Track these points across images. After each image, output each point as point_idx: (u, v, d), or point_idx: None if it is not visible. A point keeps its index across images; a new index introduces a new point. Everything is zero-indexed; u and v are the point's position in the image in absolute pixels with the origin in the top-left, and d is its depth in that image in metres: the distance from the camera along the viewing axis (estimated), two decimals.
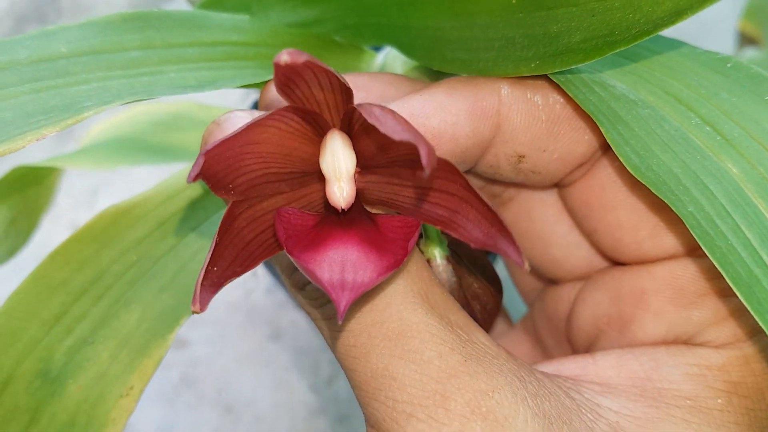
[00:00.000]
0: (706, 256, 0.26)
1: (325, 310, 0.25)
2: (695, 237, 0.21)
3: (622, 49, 0.22)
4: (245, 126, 0.20)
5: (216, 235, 0.21)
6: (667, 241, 0.27)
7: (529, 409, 0.22)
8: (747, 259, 0.21)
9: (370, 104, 0.21)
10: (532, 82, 0.26)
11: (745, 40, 0.49)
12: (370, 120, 0.19)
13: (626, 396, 0.24)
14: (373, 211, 0.24)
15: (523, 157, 0.27)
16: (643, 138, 0.23)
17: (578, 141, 0.26)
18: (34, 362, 0.30)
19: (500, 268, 0.38)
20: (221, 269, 0.22)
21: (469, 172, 0.28)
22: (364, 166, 0.23)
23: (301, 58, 0.19)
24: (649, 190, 0.23)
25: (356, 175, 0.23)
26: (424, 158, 0.18)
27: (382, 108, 0.20)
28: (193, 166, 0.19)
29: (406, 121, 0.20)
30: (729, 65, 0.25)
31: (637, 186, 0.27)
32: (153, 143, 0.41)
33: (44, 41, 0.27)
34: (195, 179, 0.20)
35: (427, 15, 0.28)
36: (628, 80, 0.26)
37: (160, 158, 0.41)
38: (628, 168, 0.22)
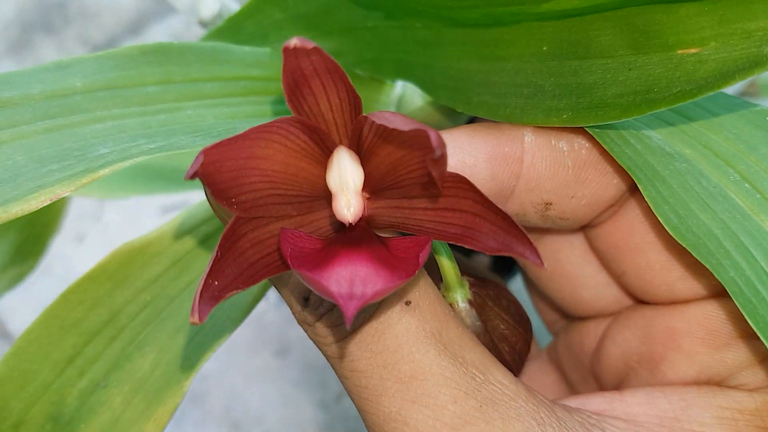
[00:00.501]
0: None
1: (336, 349, 0.24)
2: (737, 305, 0.20)
3: (663, 109, 0.21)
4: (247, 131, 0.20)
5: (217, 250, 0.20)
6: (700, 283, 0.26)
7: None
8: None
9: (379, 111, 0.20)
10: (555, 128, 0.25)
11: (751, 87, 0.48)
12: (378, 121, 0.19)
13: None
14: (383, 235, 0.23)
15: (551, 204, 0.26)
16: (682, 195, 0.23)
17: (606, 185, 0.26)
18: (45, 406, 0.29)
19: (524, 300, 0.37)
20: (222, 284, 0.21)
21: None
22: (373, 191, 0.22)
23: (310, 43, 0.19)
24: None
25: (365, 201, 0.22)
26: (433, 140, 0.18)
27: (391, 113, 0.20)
28: (192, 164, 0.19)
29: (412, 119, 0.19)
30: None
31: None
32: (167, 169, 0.40)
33: (59, 75, 0.26)
34: (192, 177, 0.19)
35: (451, 56, 0.27)
36: (663, 131, 0.25)
37: (174, 186, 0.40)
38: (668, 229, 0.22)
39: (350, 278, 0.20)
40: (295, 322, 0.25)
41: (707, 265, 0.21)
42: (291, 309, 0.25)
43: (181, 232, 0.32)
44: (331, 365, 0.25)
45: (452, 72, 0.27)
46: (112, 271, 0.30)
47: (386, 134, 0.20)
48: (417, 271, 0.20)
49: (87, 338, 0.30)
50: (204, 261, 0.32)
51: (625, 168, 0.23)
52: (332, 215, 0.23)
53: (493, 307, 0.29)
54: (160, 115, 0.26)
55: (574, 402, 0.25)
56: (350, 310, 0.19)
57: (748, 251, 0.22)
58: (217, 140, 0.25)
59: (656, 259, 0.26)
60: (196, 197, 0.77)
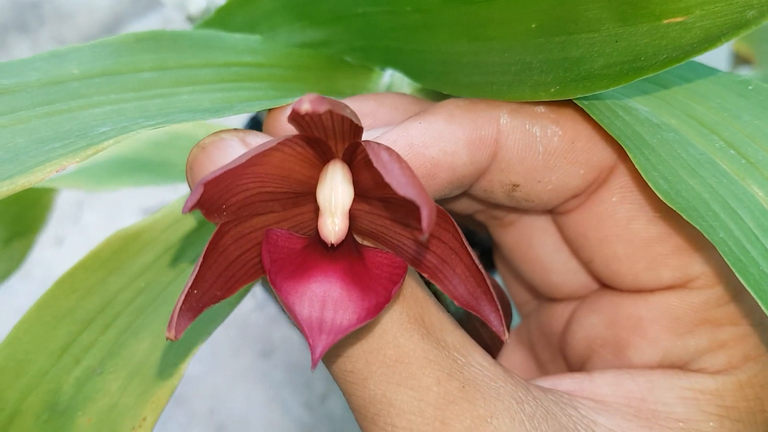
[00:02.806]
0: (702, 287, 0.26)
1: None
2: (729, 264, 0.21)
3: (650, 75, 0.22)
4: (251, 156, 0.20)
5: (202, 255, 0.21)
6: (664, 274, 0.27)
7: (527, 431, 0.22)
8: None
9: (378, 144, 0.21)
10: (532, 111, 0.26)
11: (740, 60, 0.50)
12: (377, 165, 0.19)
13: (621, 415, 0.25)
14: (363, 242, 0.24)
15: (518, 186, 0.27)
16: (670, 163, 0.23)
17: (573, 175, 0.26)
18: (41, 395, 0.29)
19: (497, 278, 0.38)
20: (201, 292, 0.21)
21: (462, 194, 0.28)
22: (359, 194, 0.23)
23: (323, 107, 0.18)
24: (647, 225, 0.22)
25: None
26: (424, 221, 0.18)
27: (390, 153, 0.20)
28: (189, 196, 0.19)
29: (411, 172, 0.19)
30: (750, 87, 0.25)
31: (635, 220, 0.27)
32: (153, 163, 0.40)
33: (56, 63, 0.26)
34: (191, 210, 0.19)
35: (441, 40, 0.28)
36: (650, 103, 0.26)
37: (161, 179, 0.40)
38: (657, 194, 0.22)
39: (322, 299, 0.21)
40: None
41: (698, 227, 0.22)
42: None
43: (174, 219, 0.32)
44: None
45: (441, 55, 0.28)
46: (105, 259, 0.30)
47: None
48: (390, 300, 0.21)
49: (82, 326, 0.30)
50: (197, 248, 0.32)
51: (614, 137, 0.23)
52: (317, 210, 0.23)
53: None
54: (157, 99, 0.26)
55: (545, 382, 0.26)
56: (318, 349, 0.19)
57: (736, 213, 0.22)
58: (211, 116, 0.25)
59: (623, 251, 0.27)
60: (176, 197, 0.77)
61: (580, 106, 0.25)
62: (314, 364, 0.19)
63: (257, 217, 0.22)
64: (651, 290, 0.28)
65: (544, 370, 0.34)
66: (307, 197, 0.23)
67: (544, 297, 0.33)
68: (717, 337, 0.26)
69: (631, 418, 0.25)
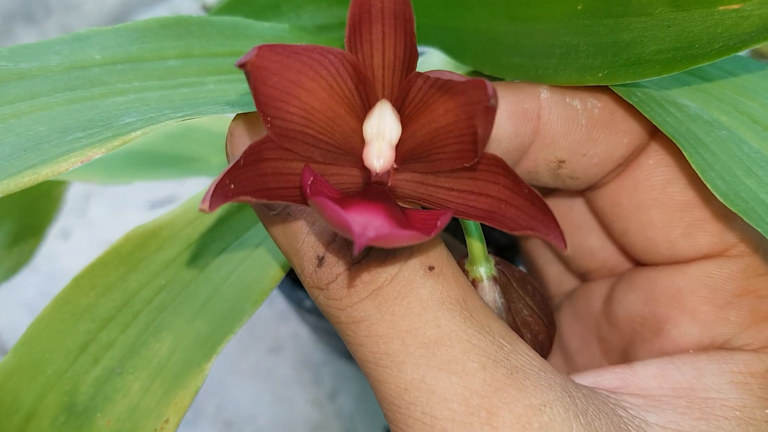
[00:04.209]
0: (741, 255, 0.25)
1: (353, 311, 0.23)
2: None
3: (705, 64, 0.21)
4: (304, 47, 0.19)
5: (240, 158, 0.20)
6: (701, 240, 0.26)
7: (582, 426, 0.21)
8: None
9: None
10: (569, 86, 0.25)
11: (755, 54, 0.49)
12: (433, 74, 0.19)
13: (672, 409, 0.23)
14: (403, 205, 0.23)
15: (563, 162, 0.26)
16: (726, 162, 0.22)
17: (617, 145, 0.26)
18: (58, 395, 0.28)
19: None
20: (237, 190, 0.20)
21: None
22: (402, 160, 0.22)
23: None
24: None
25: (392, 171, 0.22)
26: (489, 88, 0.18)
27: (444, 71, 0.20)
28: (245, 54, 0.18)
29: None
30: None
31: (671, 183, 0.26)
32: (167, 156, 0.39)
33: (77, 47, 0.25)
34: (242, 66, 0.18)
35: (478, 18, 0.26)
36: (698, 99, 0.25)
37: (177, 172, 0.39)
38: (717, 196, 0.21)
39: (364, 221, 0.19)
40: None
41: (759, 230, 0.21)
42: (302, 273, 0.24)
43: (194, 215, 0.31)
44: (343, 333, 0.23)
45: (479, 35, 0.27)
46: (125, 255, 0.29)
47: (438, 91, 0.20)
48: (435, 233, 0.19)
49: (100, 324, 0.29)
50: (218, 244, 0.31)
51: (669, 136, 0.22)
52: (356, 174, 0.22)
53: (518, 289, 0.28)
54: (182, 89, 0.25)
55: (586, 380, 0.25)
56: (363, 237, 0.17)
57: None
58: (241, 110, 0.24)
59: (659, 216, 0.27)
60: (184, 192, 0.76)
61: (630, 102, 0.24)
62: (359, 248, 0.17)
63: (298, 161, 0.21)
64: (688, 260, 0.27)
65: (572, 362, 0.33)
66: (349, 158, 0.22)
67: (578, 277, 0.33)
68: (759, 308, 0.25)
69: (684, 410, 0.23)
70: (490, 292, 0.28)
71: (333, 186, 0.21)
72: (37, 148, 0.21)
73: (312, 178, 0.20)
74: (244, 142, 0.23)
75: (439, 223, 0.19)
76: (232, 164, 0.19)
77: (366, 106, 0.21)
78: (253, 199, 0.20)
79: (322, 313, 0.24)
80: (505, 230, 0.21)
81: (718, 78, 0.25)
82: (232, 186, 0.19)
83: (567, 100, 0.25)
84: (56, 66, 0.24)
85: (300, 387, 0.68)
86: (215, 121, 0.43)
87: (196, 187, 0.64)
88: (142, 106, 0.24)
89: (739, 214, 0.21)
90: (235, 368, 0.69)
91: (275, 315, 0.70)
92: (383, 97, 0.21)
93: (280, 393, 0.68)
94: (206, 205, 0.18)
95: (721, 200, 0.21)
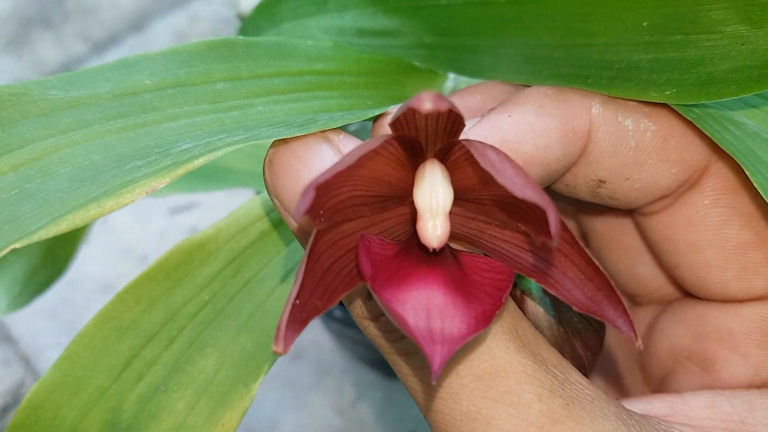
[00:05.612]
0: None
1: (403, 345, 0.23)
2: None
3: None
4: (358, 157, 0.19)
5: (303, 264, 0.19)
6: (756, 283, 0.26)
7: None
8: None
9: (481, 144, 0.19)
10: (624, 102, 0.24)
11: None
12: (486, 166, 0.18)
13: None
14: (455, 246, 0.23)
15: (604, 182, 0.25)
16: None
17: (664, 174, 0.25)
18: (101, 413, 0.28)
19: None
20: (303, 302, 0.20)
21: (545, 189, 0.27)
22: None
23: (444, 105, 0.18)
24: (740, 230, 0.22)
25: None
26: (552, 225, 0.17)
27: (497, 152, 0.19)
28: (300, 201, 0.17)
29: (524, 172, 0.18)
30: None
31: (727, 225, 0.26)
32: (206, 167, 0.39)
33: (126, 73, 0.25)
34: (305, 214, 0.18)
35: (531, 33, 0.26)
36: (755, 117, 0.24)
37: (215, 184, 0.39)
38: None
39: (426, 307, 0.19)
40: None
41: None
42: (350, 304, 0.24)
43: (238, 228, 0.30)
44: (394, 364, 0.24)
45: (527, 50, 0.26)
46: (169, 270, 0.29)
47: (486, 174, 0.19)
48: (498, 311, 0.19)
49: (144, 340, 0.28)
50: (261, 258, 0.31)
51: (729, 154, 0.22)
52: (405, 212, 0.22)
53: None
54: (232, 111, 0.25)
55: (635, 406, 0.25)
56: (437, 361, 0.18)
57: None
58: (297, 131, 0.24)
59: (713, 257, 0.26)
60: (205, 199, 0.76)
61: (688, 118, 0.23)
62: (435, 376, 0.18)
63: (347, 222, 0.21)
64: (740, 300, 0.26)
65: (617, 386, 0.33)
66: (395, 201, 0.22)
67: (625, 299, 0.32)
68: None
69: None
70: (540, 304, 0.28)
71: (386, 241, 0.21)
72: (96, 179, 0.21)
73: (368, 260, 0.20)
74: (286, 167, 0.23)
75: (503, 296, 0.19)
76: (298, 278, 0.19)
77: (411, 156, 0.21)
78: (320, 308, 0.20)
79: (372, 342, 0.24)
80: (566, 300, 0.21)
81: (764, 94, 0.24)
82: (298, 302, 0.19)
83: (619, 118, 0.24)
84: (107, 93, 0.24)
85: (322, 394, 0.68)
86: None
87: (218, 193, 0.64)
88: (195, 131, 0.24)
89: None
90: None
91: None
92: (426, 144, 0.20)
93: (302, 399, 0.68)
94: (280, 347, 0.18)
95: None
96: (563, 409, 0.21)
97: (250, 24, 0.36)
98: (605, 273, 0.20)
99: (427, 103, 0.17)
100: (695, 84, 0.21)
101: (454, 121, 0.19)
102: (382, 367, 0.66)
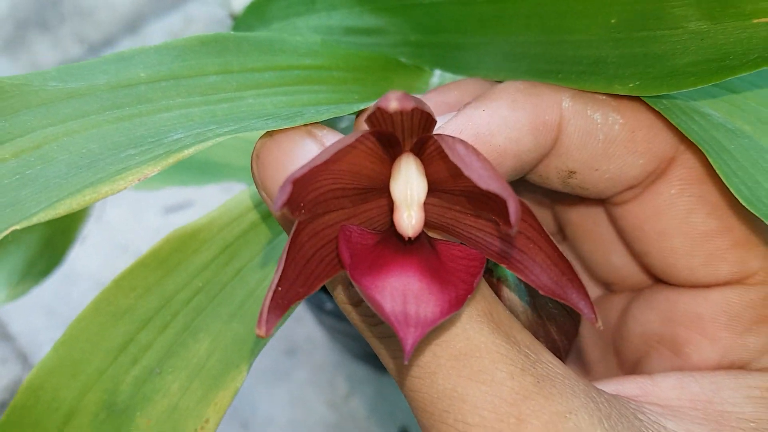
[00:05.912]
0: (760, 283, 0.26)
1: (382, 329, 0.25)
2: None
3: (742, 74, 0.22)
4: (335, 152, 0.20)
5: (284, 253, 0.21)
6: (722, 268, 0.27)
7: (605, 431, 0.22)
8: None
9: (452, 138, 0.21)
10: (593, 97, 0.25)
11: None
12: (454, 159, 0.19)
13: (690, 419, 0.24)
14: (432, 235, 0.24)
15: (574, 173, 0.26)
16: (749, 169, 0.23)
17: (632, 164, 0.26)
18: (98, 394, 0.29)
19: None
20: (285, 289, 0.21)
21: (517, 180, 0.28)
22: (428, 188, 0.22)
23: (410, 104, 0.19)
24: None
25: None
26: (512, 215, 0.18)
27: (465, 146, 0.20)
28: (279, 194, 0.19)
29: (490, 165, 0.19)
30: None
31: (694, 213, 0.27)
32: (197, 161, 0.40)
33: (122, 66, 0.26)
34: (283, 207, 0.19)
35: (510, 31, 0.27)
36: (720, 108, 0.26)
37: (206, 177, 0.40)
38: (740, 200, 0.22)
39: (403, 292, 0.21)
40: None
41: None
42: (334, 290, 0.25)
43: (230, 218, 0.32)
44: (376, 347, 0.25)
45: (507, 47, 0.28)
46: (164, 257, 0.30)
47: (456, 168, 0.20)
48: (470, 295, 0.21)
49: (139, 325, 0.29)
50: (252, 248, 0.32)
51: (695, 143, 0.23)
52: (384, 204, 0.23)
53: None
54: (223, 104, 0.26)
55: (607, 387, 0.26)
56: (409, 342, 0.19)
57: None
58: (285, 123, 0.25)
59: (680, 244, 0.27)
60: (199, 197, 0.77)
61: (656, 109, 0.24)
62: (407, 357, 0.19)
63: (328, 214, 0.22)
64: (707, 285, 0.27)
65: (592, 371, 0.34)
66: (375, 192, 0.23)
67: (601, 286, 0.33)
68: None
69: (701, 421, 0.24)
70: (515, 290, 0.29)
71: (366, 231, 0.22)
72: (93, 166, 0.22)
73: (348, 250, 0.21)
74: (272, 161, 0.24)
75: (474, 281, 0.21)
76: (279, 267, 0.20)
77: (388, 150, 0.22)
78: (302, 294, 0.21)
79: (355, 328, 0.25)
80: (533, 284, 0.22)
81: (742, 89, 0.26)
82: (281, 289, 0.20)
83: (588, 112, 0.25)
84: (103, 84, 0.25)
85: (316, 389, 0.69)
86: None
87: (213, 191, 0.65)
88: (187, 122, 0.25)
89: (762, 218, 0.22)
90: (252, 370, 0.70)
91: (291, 318, 0.71)
92: (403, 138, 0.22)
93: (296, 394, 0.69)
94: (262, 330, 0.19)
95: (744, 204, 0.22)
96: (534, 386, 0.22)
97: (241, 23, 0.37)
98: (567, 259, 0.21)
99: (393, 103, 0.19)
100: (657, 77, 0.23)
101: (426, 117, 0.20)
102: (373, 361, 0.67)
